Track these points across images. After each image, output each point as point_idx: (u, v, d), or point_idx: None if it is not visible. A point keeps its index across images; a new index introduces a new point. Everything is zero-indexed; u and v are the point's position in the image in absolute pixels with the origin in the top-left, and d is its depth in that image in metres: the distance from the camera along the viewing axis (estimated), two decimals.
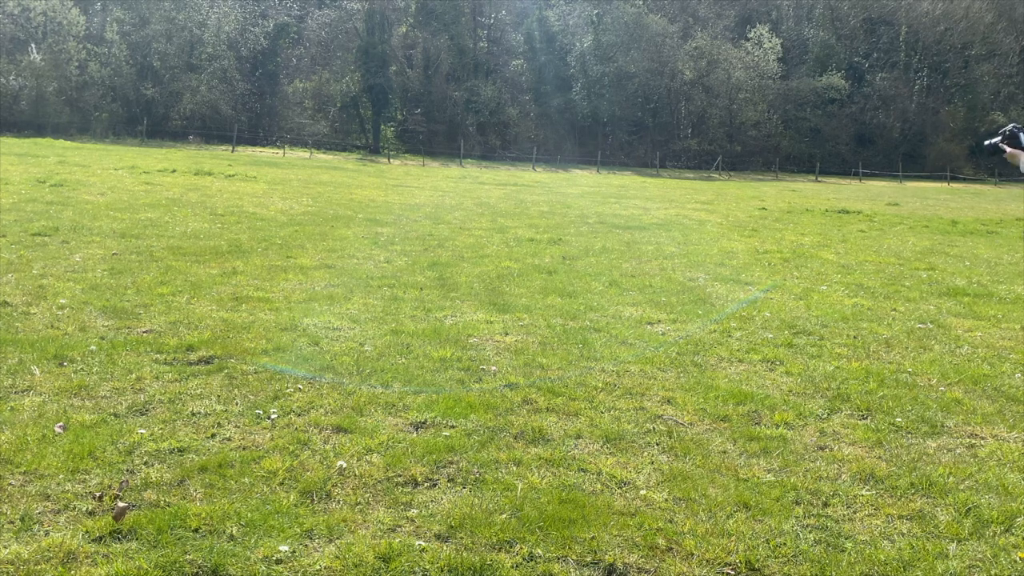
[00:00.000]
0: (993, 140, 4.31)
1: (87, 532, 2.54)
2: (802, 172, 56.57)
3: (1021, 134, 4.28)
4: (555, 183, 30.28)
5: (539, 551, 2.56)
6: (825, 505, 2.99)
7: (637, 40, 57.73)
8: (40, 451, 3.10)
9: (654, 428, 3.71)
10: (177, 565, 2.39)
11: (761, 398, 4.18)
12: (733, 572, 2.52)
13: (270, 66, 57.08)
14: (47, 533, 2.54)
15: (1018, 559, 2.64)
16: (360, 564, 2.44)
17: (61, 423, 3.39)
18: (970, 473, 3.32)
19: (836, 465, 3.36)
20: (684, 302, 6.73)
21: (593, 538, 2.66)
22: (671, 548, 2.62)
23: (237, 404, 3.75)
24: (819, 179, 51.72)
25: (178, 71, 53.43)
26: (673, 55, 57.97)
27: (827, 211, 19.38)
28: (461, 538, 2.63)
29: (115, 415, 3.55)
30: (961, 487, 3.18)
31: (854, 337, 5.71)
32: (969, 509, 2.97)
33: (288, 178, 22.04)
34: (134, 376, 4.06)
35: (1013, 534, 2.82)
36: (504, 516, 2.77)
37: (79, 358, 4.30)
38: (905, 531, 2.82)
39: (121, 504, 2.69)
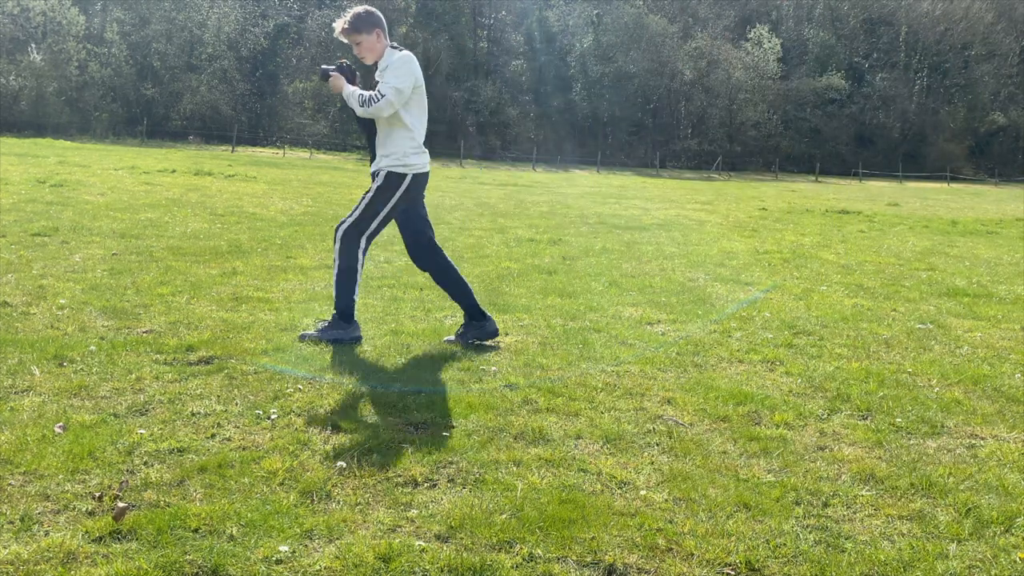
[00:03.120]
0: (329, 67, 4.70)
1: (87, 532, 2.54)
2: (802, 172, 56.59)
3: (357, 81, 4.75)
4: (555, 183, 30.29)
5: (539, 551, 2.56)
6: (825, 505, 2.99)
7: (637, 40, 57.70)
8: (40, 451, 3.10)
9: (654, 428, 3.71)
10: (177, 565, 2.39)
11: (761, 398, 4.18)
12: (733, 572, 2.52)
13: (270, 66, 57.07)
14: (47, 533, 2.54)
15: (1018, 559, 2.64)
16: (360, 564, 2.44)
17: (61, 423, 3.39)
18: (970, 473, 3.31)
19: (836, 465, 3.36)
20: (684, 302, 6.73)
21: (593, 538, 2.66)
22: (671, 548, 2.62)
23: (237, 404, 3.75)
24: (819, 179, 51.74)
25: (178, 71, 53.46)
26: (673, 55, 57.95)
27: (827, 211, 19.39)
28: (461, 538, 2.63)
29: (115, 415, 3.55)
30: (961, 487, 3.18)
31: (854, 337, 5.71)
32: (969, 509, 2.97)
33: (288, 178, 22.05)
34: (134, 376, 4.06)
35: (1013, 534, 2.82)
36: (504, 516, 2.77)
37: (79, 358, 4.30)
38: (905, 531, 2.82)
39: (121, 504, 2.69)
